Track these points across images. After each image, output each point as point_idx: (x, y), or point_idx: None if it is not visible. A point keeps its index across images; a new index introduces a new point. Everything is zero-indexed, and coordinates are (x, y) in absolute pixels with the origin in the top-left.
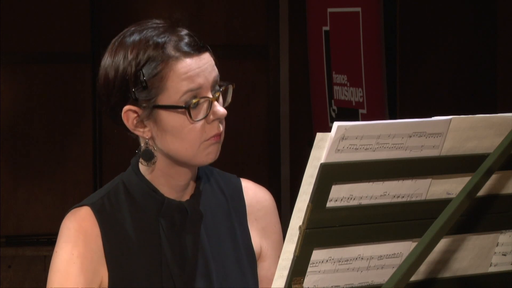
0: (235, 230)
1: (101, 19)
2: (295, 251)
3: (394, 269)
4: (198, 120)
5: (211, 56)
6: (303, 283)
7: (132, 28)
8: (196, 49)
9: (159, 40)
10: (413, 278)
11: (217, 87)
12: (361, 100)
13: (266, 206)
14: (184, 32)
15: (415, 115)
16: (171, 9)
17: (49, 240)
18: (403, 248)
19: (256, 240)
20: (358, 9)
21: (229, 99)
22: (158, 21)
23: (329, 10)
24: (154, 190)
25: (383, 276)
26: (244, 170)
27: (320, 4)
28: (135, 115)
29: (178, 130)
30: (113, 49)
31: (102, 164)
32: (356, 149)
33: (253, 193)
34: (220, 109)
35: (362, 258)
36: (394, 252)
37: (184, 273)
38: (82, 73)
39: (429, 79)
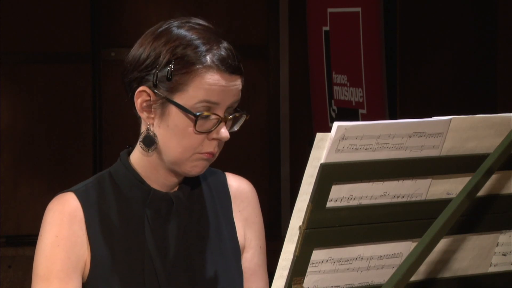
0: (220, 223)
1: (101, 19)
2: (295, 251)
3: (394, 269)
4: (200, 132)
5: (241, 81)
6: (303, 283)
7: (180, 22)
8: (231, 69)
9: (203, 45)
10: (413, 278)
11: (232, 111)
12: (361, 100)
13: (249, 197)
14: (226, 45)
15: (415, 115)
16: (172, 9)
17: None
18: (403, 248)
19: (241, 231)
20: (358, 9)
21: (237, 127)
22: (205, 24)
23: (329, 10)
24: (141, 181)
25: (383, 276)
26: (244, 170)
27: (320, 4)
28: (147, 98)
29: (179, 131)
30: (157, 32)
31: (102, 164)
32: (356, 149)
33: (237, 185)
34: (224, 132)
35: (362, 258)
36: (394, 252)
37: (166, 264)
38: (82, 73)
39: (429, 79)
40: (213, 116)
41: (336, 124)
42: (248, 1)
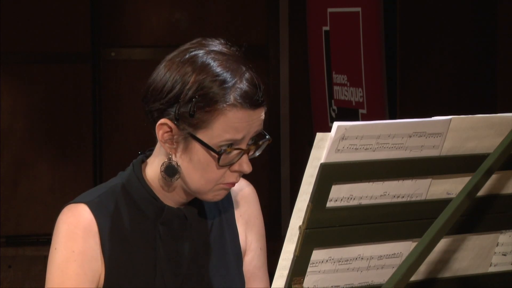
0: (224, 232)
1: (101, 19)
2: (295, 251)
3: (394, 269)
4: (223, 166)
5: (264, 110)
6: (303, 283)
7: (205, 48)
8: (255, 104)
9: (228, 80)
10: (413, 278)
11: (255, 138)
12: (361, 100)
13: (249, 199)
14: (247, 75)
15: (415, 115)
16: (172, 9)
17: (49, 240)
18: (403, 248)
19: (243, 236)
20: (358, 9)
21: (259, 152)
22: (226, 50)
23: (329, 10)
24: (155, 198)
25: (383, 276)
26: None
27: (320, 4)
28: (168, 130)
29: (202, 166)
30: (182, 61)
31: (102, 164)
32: (356, 149)
33: (238, 188)
34: (246, 165)
35: (362, 258)
36: (394, 252)
37: (177, 280)
38: (82, 73)
39: (429, 79)
40: (235, 151)
41: (336, 124)
42: (248, 1)
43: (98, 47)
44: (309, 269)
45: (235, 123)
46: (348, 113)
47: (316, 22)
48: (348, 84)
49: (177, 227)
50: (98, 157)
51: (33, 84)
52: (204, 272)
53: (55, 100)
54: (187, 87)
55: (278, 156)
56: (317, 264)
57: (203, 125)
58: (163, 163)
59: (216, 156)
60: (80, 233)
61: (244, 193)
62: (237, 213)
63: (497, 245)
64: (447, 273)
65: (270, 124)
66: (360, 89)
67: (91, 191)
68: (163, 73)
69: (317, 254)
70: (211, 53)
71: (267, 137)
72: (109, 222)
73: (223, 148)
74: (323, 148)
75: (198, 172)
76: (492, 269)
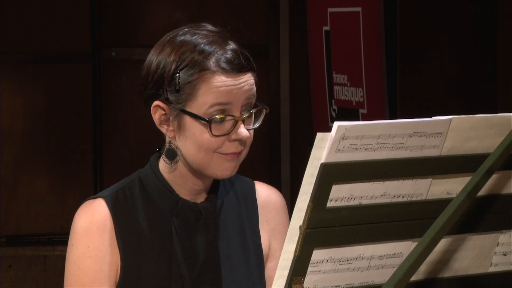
0: (245, 232)
1: (101, 19)
2: (295, 251)
3: (395, 269)
4: (217, 135)
5: (253, 76)
6: (303, 283)
7: (186, 29)
8: (236, 68)
9: (206, 48)
10: (413, 278)
11: (250, 108)
12: (361, 100)
13: (277, 207)
14: (232, 46)
15: (415, 115)
16: (172, 9)
17: (49, 240)
18: (404, 248)
19: (266, 241)
20: (359, 9)
21: (259, 122)
22: (212, 28)
23: (330, 10)
24: (170, 190)
25: (383, 276)
26: (244, 170)
27: (320, 4)
28: (163, 112)
29: (197, 138)
30: (163, 44)
31: (102, 164)
32: (357, 149)
33: (266, 194)
34: (243, 131)
35: (362, 258)
36: (394, 252)
37: (193, 274)
38: (82, 73)
39: (429, 78)
40: (228, 118)
41: (336, 124)
42: (248, 1)
43: (98, 47)
44: (309, 269)
45: (219, 88)
46: (349, 113)
47: (317, 22)
48: (349, 84)
49: (192, 221)
50: (98, 157)
51: (33, 84)
52: (220, 267)
53: (55, 100)
54: (169, 65)
55: (278, 156)
56: (317, 264)
57: (190, 97)
58: (163, 148)
59: (207, 124)
60: (95, 229)
61: (273, 200)
62: (262, 218)
63: (498, 245)
64: (448, 273)
65: (271, 123)
66: (360, 89)
67: (112, 187)
68: (148, 60)
69: (318, 254)
70: (191, 31)
71: (263, 106)
72: (125, 216)
73: (214, 115)
74: (324, 148)
75: (195, 146)
76: (492, 269)
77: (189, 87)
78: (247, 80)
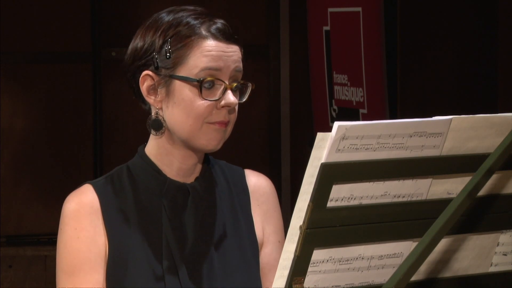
0: (238, 217)
1: (101, 19)
2: (295, 251)
3: (395, 269)
4: (207, 100)
5: (240, 51)
6: (303, 283)
7: (169, 9)
8: (226, 36)
9: (193, 20)
10: (413, 278)
11: (237, 80)
12: (361, 100)
13: (267, 192)
14: (219, 19)
15: (415, 115)
16: None
17: (50, 240)
18: (404, 248)
19: (259, 225)
20: (359, 8)
21: (245, 97)
22: (196, 7)
23: (330, 10)
24: (158, 171)
25: (383, 276)
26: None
27: (320, 4)
28: (152, 81)
29: (186, 103)
30: (146, 24)
31: (102, 164)
32: (357, 149)
33: (255, 179)
34: (231, 97)
35: (362, 258)
36: (394, 252)
37: (184, 254)
38: (82, 72)
39: (429, 78)
40: (217, 83)
41: (336, 124)
42: (248, 1)
43: (99, 47)
44: (309, 269)
45: (208, 51)
46: (349, 113)
47: (317, 21)
48: (349, 84)
49: (181, 201)
50: (98, 157)
51: (33, 84)
52: (212, 247)
53: (55, 100)
54: (157, 36)
55: (278, 156)
56: (317, 264)
57: (180, 61)
58: (149, 118)
59: (198, 85)
60: (82, 211)
61: (262, 186)
62: (254, 202)
63: (498, 245)
64: (448, 273)
65: (271, 123)
66: (360, 89)
67: (101, 177)
68: (133, 41)
69: (318, 254)
70: (177, 9)
71: (248, 84)
72: (113, 200)
73: (202, 78)
74: (324, 148)
75: (184, 112)
76: (492, 269)
77: (180, 52)
78: (236, 51)
